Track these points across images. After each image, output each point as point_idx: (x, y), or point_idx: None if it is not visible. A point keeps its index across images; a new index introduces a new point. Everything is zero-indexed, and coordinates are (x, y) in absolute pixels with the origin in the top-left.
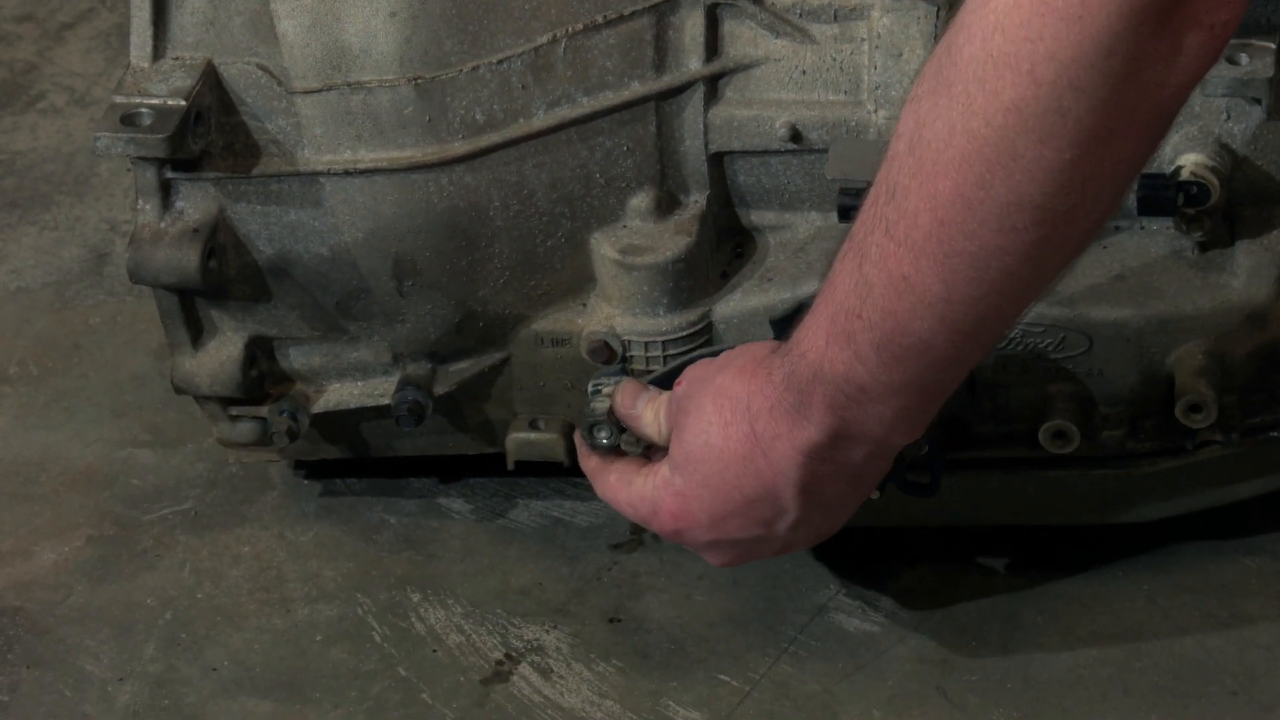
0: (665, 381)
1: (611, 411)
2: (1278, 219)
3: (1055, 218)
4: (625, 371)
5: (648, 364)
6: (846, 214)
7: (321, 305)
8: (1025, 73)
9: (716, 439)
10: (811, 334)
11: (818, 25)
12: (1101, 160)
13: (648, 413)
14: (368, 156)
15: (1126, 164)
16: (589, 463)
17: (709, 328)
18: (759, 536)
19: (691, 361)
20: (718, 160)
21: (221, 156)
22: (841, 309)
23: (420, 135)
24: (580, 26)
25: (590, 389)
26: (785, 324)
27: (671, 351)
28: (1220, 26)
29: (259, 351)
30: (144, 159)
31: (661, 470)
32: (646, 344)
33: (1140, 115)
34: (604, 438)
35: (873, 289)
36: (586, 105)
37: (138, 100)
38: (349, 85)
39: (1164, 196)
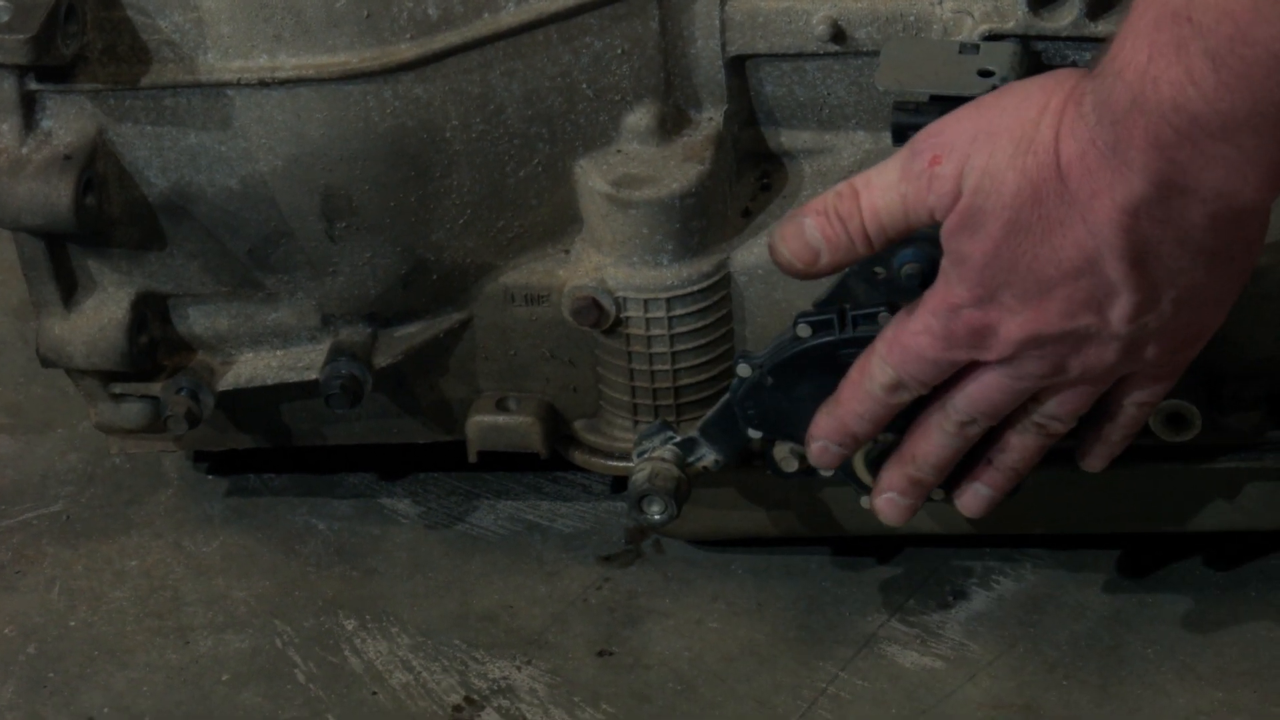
0: (720, 425)
1: (659, 478)
2: None
3: None
4: (669, 427)
5: (648, 327)
6: (902, 135)
7: (230, 253)
8: None
9: (1025, 211)
10: (1128, 46)
11: None
12: None
13: (883, 198)
14: (289, 62)
15: None
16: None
17: (726, 281)
18: (1090, 330)
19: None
20: (738, 65)
21: (100, 63)
22: (1167, 10)
23: (357, 35)
24: None
25: (635, 454)
26: (832, 303)
27: (678, 311)
28: None
29: (149, 312)
30: (0, 66)
31: (944, 274)
32: (646, 302)
33: None
34: (657, 512)
35: None
36: None
37: None
38: None
39: None
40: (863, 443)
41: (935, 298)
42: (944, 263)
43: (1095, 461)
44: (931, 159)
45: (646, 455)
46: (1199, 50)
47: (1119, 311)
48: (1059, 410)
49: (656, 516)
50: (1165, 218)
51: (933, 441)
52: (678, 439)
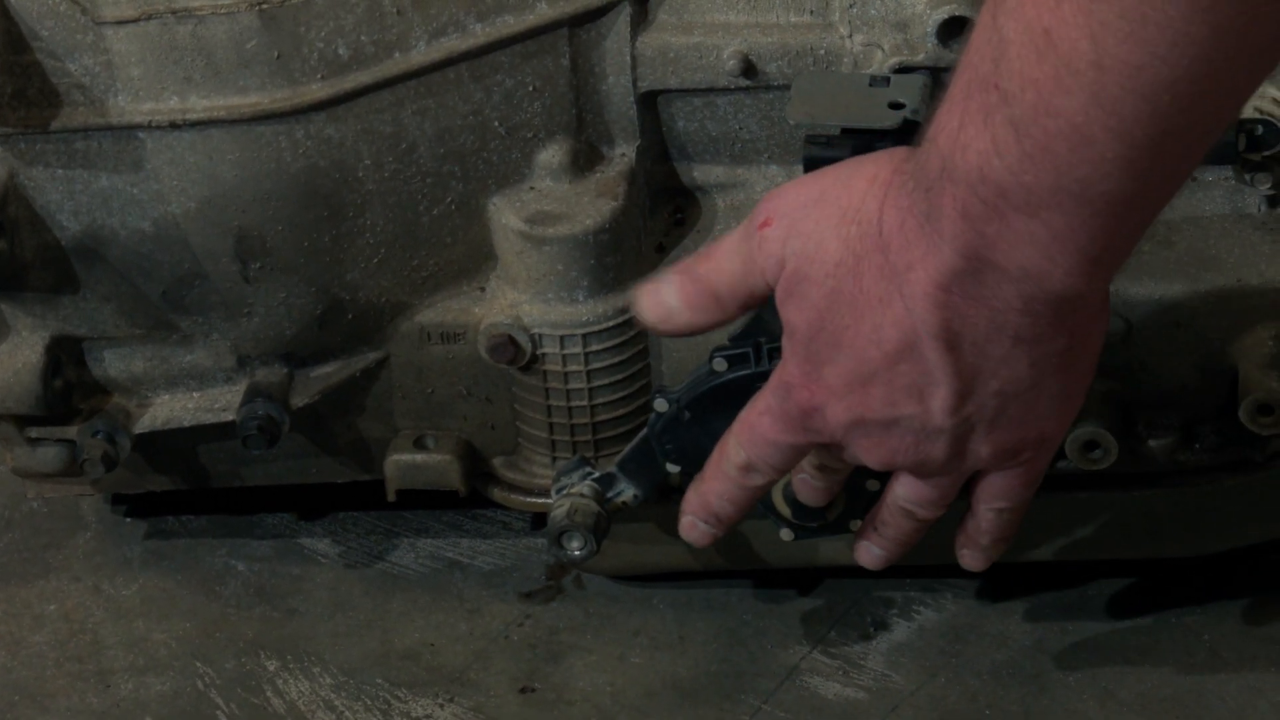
0: (637, 460)
1: (578, 514)
2: None
3: None
4: (587, 463)
5: (564, 363)
6: (814, 168)
7: (144, 295)
8: None
9: (846, 282)
10: (945, 112)
11: None
12: None
13: (726, 261)
14: (200, 104)
15: None
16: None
17: None
18: (914, 420)
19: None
20: (650, 101)
21: (10, 107)
22: (976, 78)
23: (267, 76)
24: None
25: (554, 491)
26: (739, 355)
27: (595, 347)
28: None
29: (64, 356)
30: None
31: (783, 348)
32: (562, 338)
33: None
34: (577, 548)
35: (1009, 47)
36: (480, 34)
37: None
38: (174, 13)
39: (1221, 139)
40: (731, 524)
41: (774, 374)
42: (783, 337)
43: (970, 560)
44: (763, 221)
45: (565, 491)
46: (1004, 119)
47: (939, 402)
48: (915, 498)
49: (576, 552)
50: (977, 295)
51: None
52: (596, 474)
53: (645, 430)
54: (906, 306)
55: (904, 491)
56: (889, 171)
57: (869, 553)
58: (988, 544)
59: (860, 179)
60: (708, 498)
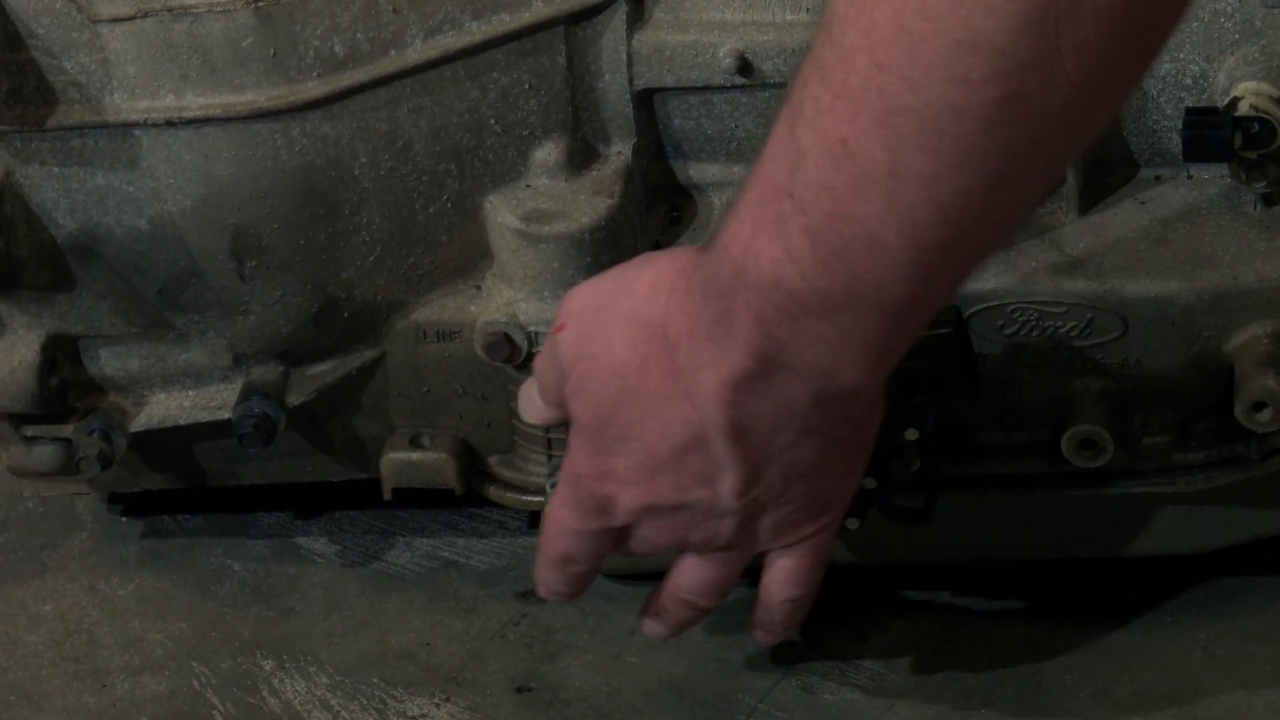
0: None
1: None
2: None
3: (1020, 69)
4: None
5: None
6: None
7: (140, 294)
8: None
9: (633, 380)
10: (735, 221)
11: None
12: None
13: (544, 369)
14: (196, 102)
15: (1121, 10)
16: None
17: None
18: (703, 504)
19: None
20: (646, 99)
21: (6, 105)
22: (770, 187)
23: (264, 74)
24: None
25: (548, 488)
26: None
27: None
28: None
29: (60, 354)
30: None
31: (572, 443)
32: None
33: None
34: None
35: (806, 157)
36: (476, 32)
37: None
38: (170, 11)
39: (1217, 137)
40: (579, 591)
41: (565, 467)
42: (570, 431)
43: (764, 639)
44: (559, 326)
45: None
46: (798, 227)
47: (727, 487)
48: (697, 586)
49: None
50: (766, 393)
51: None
52: None
53: None
54: (694, 405)
55: (685, 581)
56: (672, 276)
57: (652, 628)
58: (780, 630)
59: (643, 283)
60: (550, 584)
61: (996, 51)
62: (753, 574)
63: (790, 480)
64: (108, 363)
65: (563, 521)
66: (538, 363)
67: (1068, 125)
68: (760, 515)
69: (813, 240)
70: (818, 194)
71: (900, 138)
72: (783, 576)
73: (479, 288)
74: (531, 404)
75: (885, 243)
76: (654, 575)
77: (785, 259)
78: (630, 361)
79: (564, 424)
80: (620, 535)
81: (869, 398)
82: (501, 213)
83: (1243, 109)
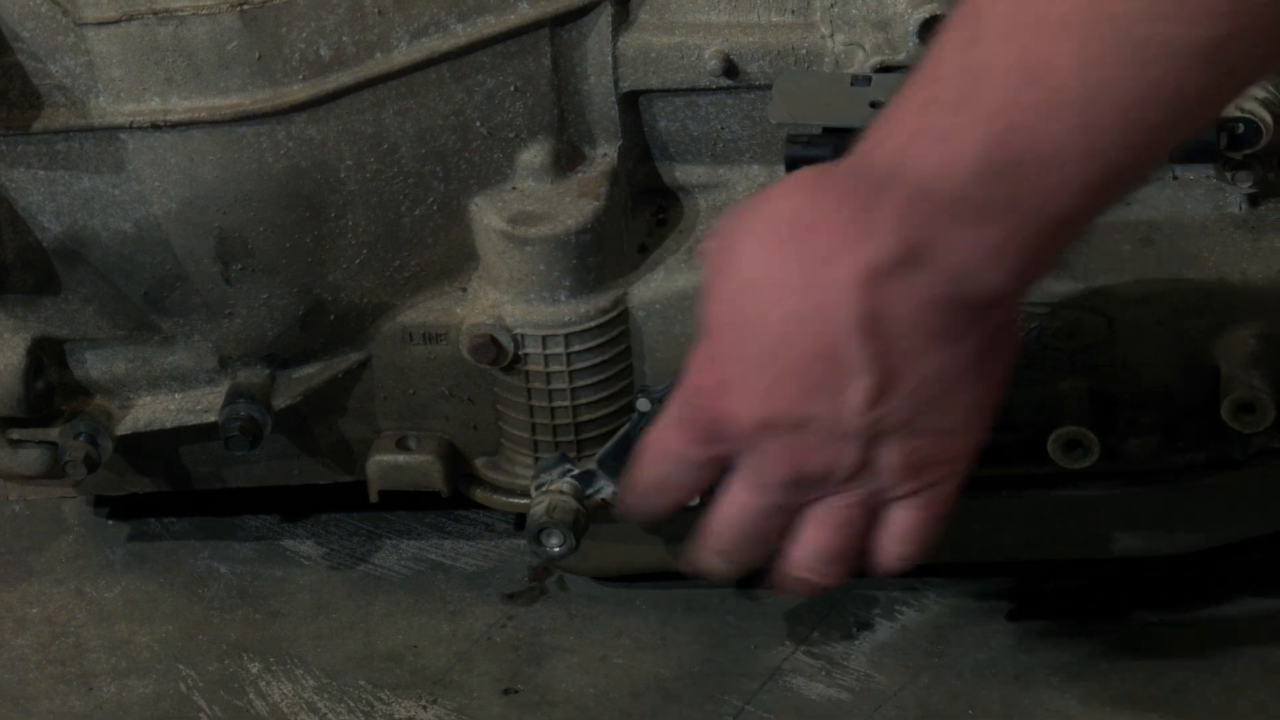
0: (618, 456)
1: (556, 511)
2: None
3: (1254, 7)
4: (567, 460)
5: (547, 363)
6: (795, 167)
7: (126, 297)
8: None
9: (763, 272)
10: (892, 126)
11: None
12: None
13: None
14: (181, 105)
15: None
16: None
17: (624, 316)
18: (828, 417)
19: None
20: (631, 101)
21: None
22: (937, 99)
23: (249, 76)
24: None
25: (533, 487)
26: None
27: (577, 348)
28: None
29: (46, 357)
30: None
31: (694, 353)
32: (544, 339)
33: None
34: (556, 545)
35: (989, 74)
36: (462, 34)
37: None
38: (155, 14)
39: (1202, 138)
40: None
41: (682, 383)
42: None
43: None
44: (705, 246)
45: (544, 488)
46: (971, 138)
47: (854, 396)
48: (813, 551)
49: (555, 549)
50: (905, 287)
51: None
52: (576, 471)
53: (626, 427)
54: (827, 294)
55: (803, 553)
56: (807, 179)
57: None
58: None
59: (776, 192)
60: (633, 513)
61: None
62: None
63: (920, 403)
64: (94, 366)
65: (666, 444)
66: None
67: (1269, 64)
68: (885, 445)
69: (985, 151)
70: (999, 110)
71: (1115, 63)
72: (898, 531)
73: (465, 290)
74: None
75: (1063, 162)
76: (644, 575)
77: (949, 164)
78: (757, 257)
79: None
80: (723, 470)
81: (1009, 313)
82: (487, 215)
83: (1229, 110)
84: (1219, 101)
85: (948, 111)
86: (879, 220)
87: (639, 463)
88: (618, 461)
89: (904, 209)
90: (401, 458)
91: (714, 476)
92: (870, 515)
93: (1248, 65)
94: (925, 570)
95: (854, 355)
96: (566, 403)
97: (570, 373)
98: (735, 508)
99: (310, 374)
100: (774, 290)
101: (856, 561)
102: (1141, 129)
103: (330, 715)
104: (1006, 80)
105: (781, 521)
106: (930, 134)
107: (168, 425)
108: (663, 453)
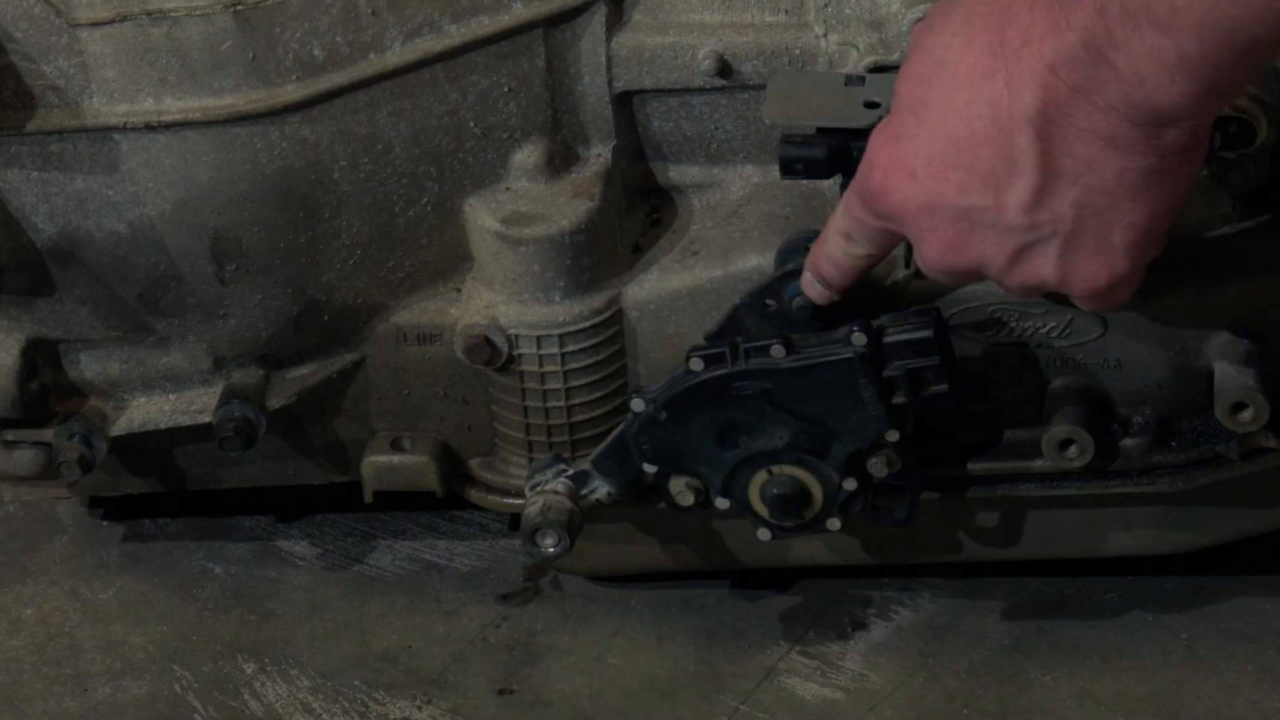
0: (612, 457)
1: (551, 511)
2: None
3: None
4: (561, 461)
5: (541, 364)
6: (790, 168)
7: (120, 298)
8: None
9: (954, 53)
10: None
11: None
12: None
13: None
14: (175, 106)
15: None
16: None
17: (618, 316)
18: (989, 211)
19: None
20: (625, 101)
21: None
22: None
23: (242, 77)
24: None
25: (528, 488)
26: (723, 336)
27: (571, 348)
28: None
29: (40, 358)
30: None
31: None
32: (539, 339)
33: None
34: (550, 545)
35: None
36: (455, 35)
37: None
38: (149, 15)
39: None
40: (841, 290)
41: (868, 149)
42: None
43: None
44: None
45: (539, 488)
46: None
47: (1016, 194)
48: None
49: (550, 549)
50: (1085, 86)
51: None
52: (570, 472)
53: (620, 428)
54: (1009, 83)
55: (927, 249)
56: None
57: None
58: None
59: None
60: (818, 257)
61: None
62: (739, 575)
63: (1082, 214)
64: (88, 367)
65: (849, 204)
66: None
67: None
68: (1039, 251)
69: None
70: None
71: None
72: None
73: (459, 290)
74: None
75: None
76: (639, 575)
77: None
78: (954, 41)
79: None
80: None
81: (1187, 135)
82: (481, 215)
83: (1221, 110)
84: None
85: None
86: (1073, 16)
87: (830, 221)
88: (612, 462)
89: (1098, 9)
90: (396, 458)
91: (886, 250)
92: None
93: None
94: (919, 570)
95: (1024, 150)
96: (561, 403)
97: (564, 373)
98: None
99: (305, 375)
100: (962, 72)
101: None
102: None
103: (325, 716)
104: None
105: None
106: None
107: (162, 426)
108: (849, 209)
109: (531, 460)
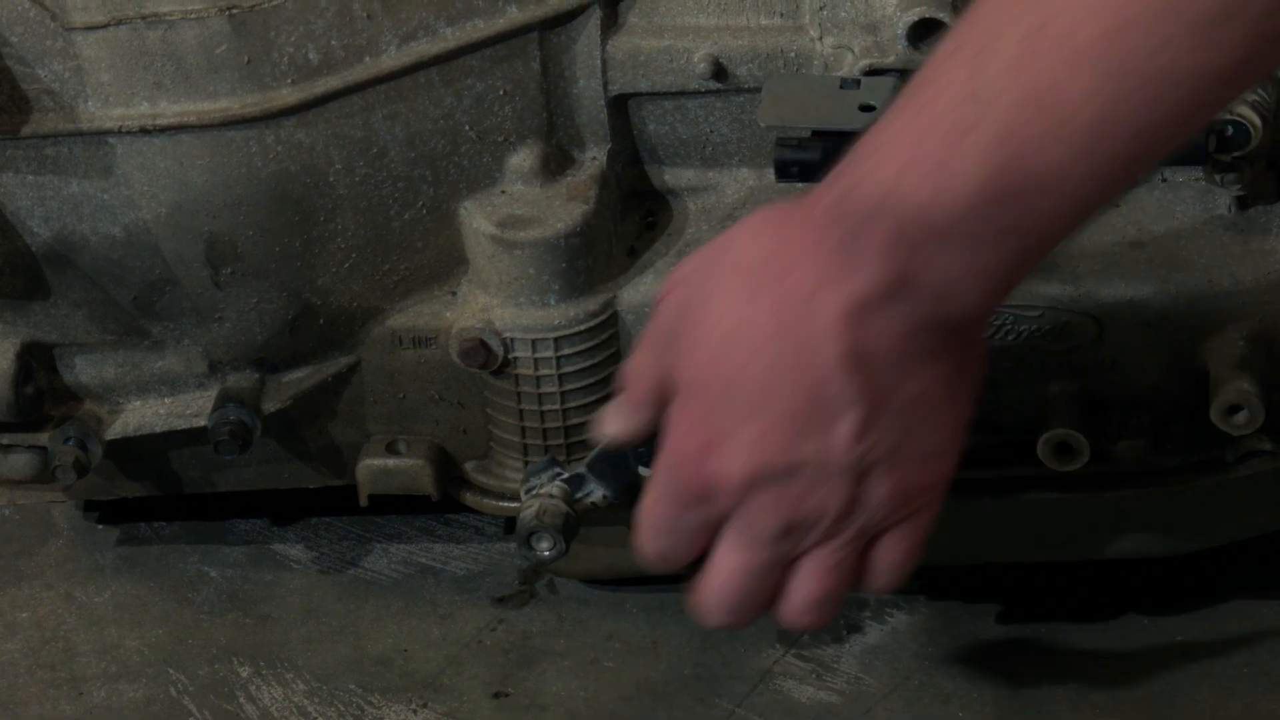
0: (608, 460)
1: (547, 514)
2: None
3: (1266, 34)
4: (557, 464)
5: (536, 367)
6: (785, 171)
7: (115, 301)
8: None
9: (735, 325)
10: (880, 156)
11: None
12: None
13: (640, 355)
14: (170, 109)
15: None
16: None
17: (613, 320)
18: (818, 457)
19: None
20: (620, 105)
21: None
22: (937, 128)
23: (237, 81)
24: None
25: (523, 491)
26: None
27: (566, 351)
28: None
29: (35, 362)
30: None
31: (671, 416)
32: (534, 342)
33: None
34: (546, 549)
35: (994, 105)
36: (451, 38)
37: None
38: (144, 18)
39: (1192, 140)
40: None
41: (661, 454)
42: (672, 407)
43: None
44: (661, 298)
45: (534, 492)
46: (968, 168)
47: (844, 429)
48: (808, 598)
49: (545, 553)
50: (891, 315)
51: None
52: (565, 475)
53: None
54: (810, 333)
55: (797, 600)
56: (775, 218)
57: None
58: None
59: (743, 233)
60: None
61: (1251, 20)
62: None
63: (907, 426)
64: (83, 370)
65: (658, 517)
66: (630, 362)
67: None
68: (874, 477)
69: (985, 180)
70: (1002, 140)
71: (1126, 94)
72: (888, 560)
73: (454, 294)
74: (616, 412)
75: (1065, 187)
76: (634, 579)
77: (946, 192)
78: (730, 307)
79: (649, 437)
80: (718, 530)
81: (981, 326)
82: (477, 219)
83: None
84: (1216, 112)
85: (946, 141)
86: (864, 253)
87: (639, 534)
88: (607, 465)
89: (893, 238)
90: (391, 462)
91: (713, 537)
92: (860, 550)
93: (1252, 83)
94: (915, 573)
95: (840, 391)
96: (556, 406)
97: (560, 376)
98: (729, 571)
99: (300, 378)
100: (753, 340)
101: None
102: (1147, 151)
103: (321, 718)
104: (1014, 110)
105: (777, 576)
106: (924, 164)
107: (157, 430)
108: (656, 526)
109: (526, 464)
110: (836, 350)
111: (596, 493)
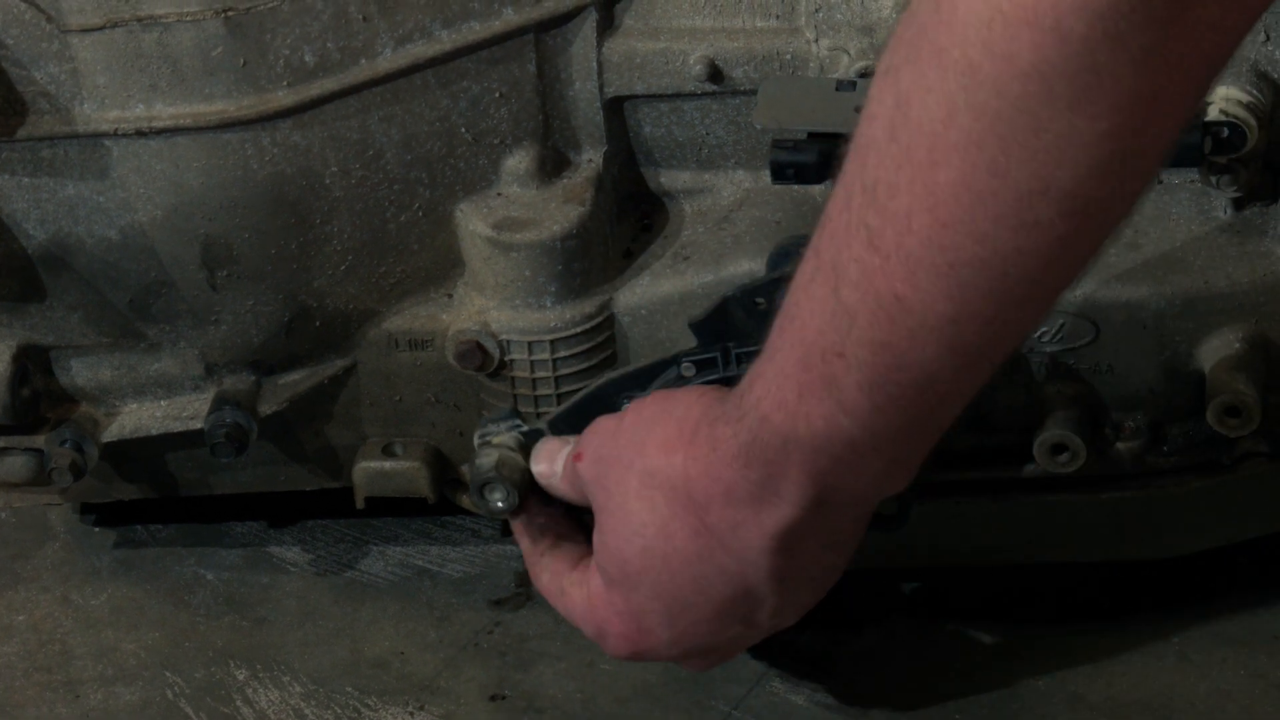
0: (570, 420)
1: (504, 467)
2: None
3: (1088, 205)
4: (518, 415)
5: (532, 369)
6: (780, 173)
7: (111, 304)
8: (1049, 28)
9: (656, 541)
10: (774, 387)
11: None
12: (1143, 127)
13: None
14: (166, 112)
15: (1169, 130)
16: (523, 546)
17: (609, 322)
18: (737, 635)
19: (599, 391)
20: (616, 107)
21: None
22: (815, 349)
23: (233, 83)
24: None
25: (477, 441)
26: (710, 326)
27: (562, 353)
28: None
29: (31, 365)
30: None
31: (594, 581)
32: (530, 344)
33: (1189, 68)
34: (499, 500)
35: (856, 318)
36: (446, 40)
37: None
38: (139, 20)
39: (1187, 142)
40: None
41: (585, 607)
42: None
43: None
44: (577, 455)
45: (489, 439)
46: (853, 383)
47: (764, 615)
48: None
49: (499, 504)
50: (814, 532)
51: None
52: (525, 429)
53: (585, 392)
54: (735, 559)
55: (690, 668)
56: (686, 437)
57: None
58: None
59: (652, 443)
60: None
61: (1067, 195)
62: None
63: (815, 584)
64: (79, 373)
65: (565, 616)
66: (560, 481)
67: (1114, 233)
68: (781, 622)
69: (870, 392)
70: (875, 351)
71: (964, 286)
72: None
73: (450, 296)
74: (552, 458)
75: (939, 379)
76: None
77: (839, 414)
78: (650, 522)
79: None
80: None
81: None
82: (473, 221)
83: (1213, 114)
84: (1062, 286)
85: (827, 361)
86: (783, 490)
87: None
88: (568, 425)
89: (807, 473)
90: (388, 464)
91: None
92: None
93: (1080, 267)
94: (910, 574)
95: (765, 594)
96: (552, 408)
97: (556, 378)
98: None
99: (296, 380)
100: (669, 561)
101: None
102: (1009, 338)
103: None
104: (874, 321)
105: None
106: (816, 390)
107: (154, 432)
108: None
109: (483, 414)
110: (764, 570)
111: None
